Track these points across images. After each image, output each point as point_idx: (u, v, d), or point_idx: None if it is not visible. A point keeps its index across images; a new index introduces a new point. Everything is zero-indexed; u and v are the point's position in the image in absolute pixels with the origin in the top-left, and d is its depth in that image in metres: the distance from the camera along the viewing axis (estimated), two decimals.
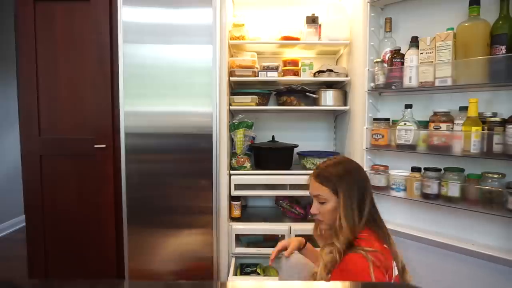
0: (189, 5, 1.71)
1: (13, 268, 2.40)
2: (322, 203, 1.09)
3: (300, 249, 1.33)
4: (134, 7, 1.71)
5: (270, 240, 1.96)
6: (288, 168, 2.00)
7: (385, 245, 1.02)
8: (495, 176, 1.33)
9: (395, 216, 1.68)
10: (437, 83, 1.44)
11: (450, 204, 1.43)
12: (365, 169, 1.69)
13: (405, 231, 1.57)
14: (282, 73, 2.03)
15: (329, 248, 1.04)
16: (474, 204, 1.36)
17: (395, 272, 1.01)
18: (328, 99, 1.99)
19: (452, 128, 1.43)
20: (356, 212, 1.03)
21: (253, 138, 2.13)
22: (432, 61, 1.45)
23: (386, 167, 1.67)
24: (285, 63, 2.05)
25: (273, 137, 2.11)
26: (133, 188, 1.76)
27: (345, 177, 1.06)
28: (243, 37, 1.96)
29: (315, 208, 1.11)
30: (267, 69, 2.00)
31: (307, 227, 1.88)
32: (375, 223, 1.07)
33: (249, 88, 2.05)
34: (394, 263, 1.02)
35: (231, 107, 1.94)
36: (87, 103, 1.87)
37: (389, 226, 1.62)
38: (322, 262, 1.03)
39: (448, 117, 1.45)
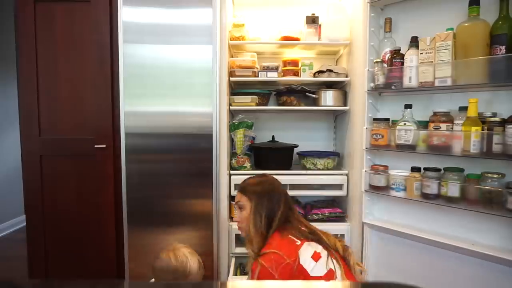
0: (189, 5, 1.71)
1: (13, 268, 2.40)
2: (241, 209, 1.31)
3: None
4: (134, 7, 1.71)
5: None
6: (288, 168, 2.00)
7: (290, 236, 1.18)
8: (495, 176, 1.33)
9: (395, 216, 1.68)
10: (437, 83, 1.44)
11: (450, 204, 1.43)
12: (364, 169, 1.70)
13: (405, 231, 1.57)
14: (282, 73, 2.03)
15: (249, 260, 1.25)
16: (474, 204, 1.36)
17: (306, 255, 1.13)
18: (328, 99, 1.99)
19: (452, 128, 1.43)
20: (264, 221, 1.23)
21: (253, 138, 2.13)
22: (432, 61, 1.45)
23: (386, 167, 1.67)
24: (285, 63, 2.05)
25: (273, 137, 2.11)
26: (133, 188, 1.76)
27: (258, 193, 1.29)
28: (243, 37, 1.96)
29: (237, 216, 1.34)
30: (267, 69, 2.00)
31: None
32: (287, 223, 1.24)
33: (249, 88, 2.05)
34: (302, 248, 1.14)
35: (231, 107, 1.94)
36: (87, 103, 1.87)
37: (389, 226, 1.64)
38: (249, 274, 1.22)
39: (448, 117, 1.45)
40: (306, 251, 1.14)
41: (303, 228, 1.24)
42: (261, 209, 1.25)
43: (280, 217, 1.23)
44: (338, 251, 1.20)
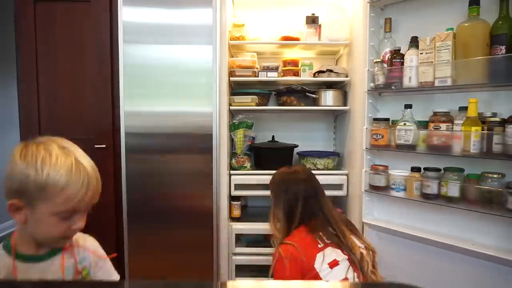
0: (189, 5, 1.71)
1: None
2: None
3: None
4: (134, 7, 1.71)
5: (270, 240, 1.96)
6: None
7: (315, 236, 1.14)
8: (495, 176, 1.33)
9: (395, 216, 1.68)
10: (436, 83, 1.44)
11: (450, 204, 1.43)
12: (364, 169, 1.70)
13: (405, 231, 1.57)
14: (282, 73, 2.03)
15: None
16: (474, 204, 1.36)
17: (323, 260, 1.09)
18: (328, 99, 1.99)
19: (452, 128, 1.43)
20: (283, 215, 1.23)
21: (253, 138, 2.13)
22: (432, 61, 1.45)
23: (386, 167, 1.67)
24: (285, 63, 2.05)
25: (273, 137, 2.11)
26: (133, 188, 1.76)
27: (275, 186, 1.32)
28: (243, 38, 1.96)
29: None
30: (267, 69, 2.00)
31: None
32: (312, 218, 1.20)
33: (249, 88, 2.05)
34: (323, 252, 1.10)
35: (231, 107, 1.94)
36: (87, 103, 1.88)
37: (388, 226, 1.64)
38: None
39: (447, 117, 1.45)
40: (326, 256, 1.10)
41: (330, 229, 1.18)
42: (279, 208, 1.25)
43: (301, 211, 1.20)
44: (355, 257, 1.13)
